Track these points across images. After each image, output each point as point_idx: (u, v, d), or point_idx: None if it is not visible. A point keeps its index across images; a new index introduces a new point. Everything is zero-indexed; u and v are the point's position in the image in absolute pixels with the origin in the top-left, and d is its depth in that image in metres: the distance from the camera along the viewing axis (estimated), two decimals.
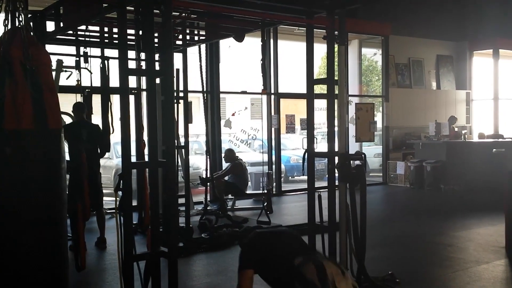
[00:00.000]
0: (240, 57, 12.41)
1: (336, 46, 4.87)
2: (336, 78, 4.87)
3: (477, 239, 6.79)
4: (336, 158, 4.82)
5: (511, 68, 16.02)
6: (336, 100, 4.89)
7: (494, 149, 8.35)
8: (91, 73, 7.41)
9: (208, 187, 8.20)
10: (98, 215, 6.74)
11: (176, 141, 7.16)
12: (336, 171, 4.83)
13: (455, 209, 9.30)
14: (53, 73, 7.25)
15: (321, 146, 6.12)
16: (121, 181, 3.57)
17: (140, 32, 5.33)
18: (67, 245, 3.87)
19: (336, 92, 4.90)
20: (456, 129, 12.80)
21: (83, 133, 6.75)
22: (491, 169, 9.69)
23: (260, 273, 3.58)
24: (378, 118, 13.13)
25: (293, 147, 13.96)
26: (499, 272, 5.41)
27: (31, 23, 6.30)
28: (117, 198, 3.81)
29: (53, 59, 7.55)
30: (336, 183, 4.85)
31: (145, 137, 5.69)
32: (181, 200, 7.13)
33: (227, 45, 10.69)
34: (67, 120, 8.16)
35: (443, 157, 11.38)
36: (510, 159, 6.30)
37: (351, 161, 4.83)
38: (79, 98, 7.48)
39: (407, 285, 4.73)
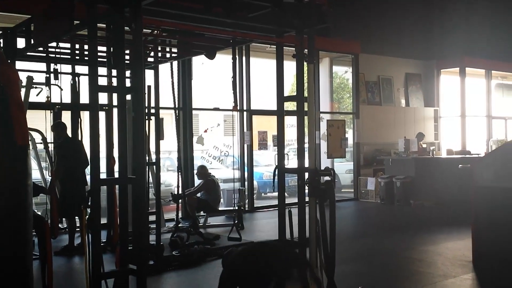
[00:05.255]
0: (213, 74, 12.48)
1: (305, 64, 4.96)
2: (306, 95, 4.95)
3: (445, 253, 6.92)
4: (306, 174, 4.88)
5: (477, 86, 16.47)
6: (306, 117, 4.97)
7: (460, 165, 8.53)
8: (61, 89, 7.37)
9: (180, 204, 8.16)
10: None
11: (147, 158, 7.14)
12: (306, 187, 4.88)
13: (424, 224, 9.45)
14: (23, 90, 7.23)
15: (292, 162, 6.18)
16: (90, 198, 3.55)
17: (111, 49, 5.35)
18: (32, 264, 3.80)
19: (306, 109, 4.98)
20: (424, 145, 13.05)
21: (66, 150, 7.00)
22: (459, 185, 9.89)
23: None
24: (349, 134, 13.31)
25: (266, 163, 14.01)
26: (466, 286, 5.52)
27: (1, 40, 6.27)
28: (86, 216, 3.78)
29: (24, 75, 7.48)
30: (306, 199, 4.90)
31: (116, 154, 5.67)
32: (152, 217, 7.08)
33: (200, 62, 10.75)
34: (37, 137, 8.08)
35: (412, 173, 11.60)
36: (477, 175, 6.46)
37: (321, 177, 4.90)
38: (49, 114, 7.43)
39: None
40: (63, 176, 7.06)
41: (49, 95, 7.27)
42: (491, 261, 6.17)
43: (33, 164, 8.53)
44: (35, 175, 8.52)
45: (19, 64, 7.12)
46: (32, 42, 5.95)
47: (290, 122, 11.69)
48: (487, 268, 6.09)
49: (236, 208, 8.73)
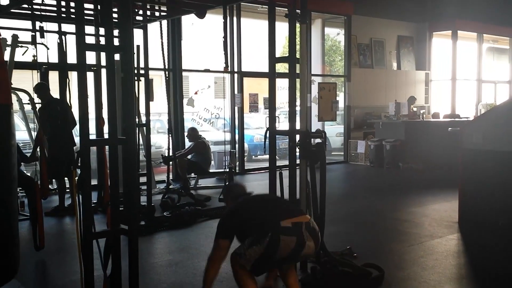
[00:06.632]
0: (203, 35, 12.30)
1: (298, 24, 4.87)
2: (298, 56, 4.88)
3: (432, 214, 7.02)
4: (298, 136, 4.87)
5: (468, 49, 16.42)
6: (298, 79, 4.92)
7: (449, 128, 8.59)
8: (48, 48, 7.23)
9: (171, 166, 8.16)
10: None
11: (137, 119, 7.09)
12: (297, 149, 4.88)
13: (412, 186, 9.57)
14: (8, 49, 7.07)
15: (283, 125, 6.16)
16: (79, 159, 3.51)
17: (99, 7, 5.21)
18: (17, 224, 3.78)
19: (298, 71, 4.93)
20: (415, 109, 13.07)
21: (51, 111, 6.89)
22: (447, 148, 9.98)
23: (237, 237, 3.68)
24: (340, 97, 13.29)
25: (257, 126, 14.01)
26: (451, 245, 5.62)
27: None
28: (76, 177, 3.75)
29: (8, 33, 7.31)
30: (297, 161, 4.91)
31: (105, 115, 5.62)
32: (143, 179, 7.09)
33: (189, 22, 10.56)
34: (24, 97, 7.97)
35: (402, 136, 11.65)
36: (465, 138, 6.51)
37: (312, 139, 4.91)
38: (35, 74, 7.31)
39: (364, 258, 4.86)
40: (51, 137, 6.97)
41: (35, 54, 7.13)
42: (476, 222, 6.30)
43: (21, 125, 8.46)
44: (24, 136, 8.45)
45: (3, 22, 6.96)
46: None
47: (282, 84, 11.63)
48: (472, 229, 6.22)
49: (227, 170, 8.75)
